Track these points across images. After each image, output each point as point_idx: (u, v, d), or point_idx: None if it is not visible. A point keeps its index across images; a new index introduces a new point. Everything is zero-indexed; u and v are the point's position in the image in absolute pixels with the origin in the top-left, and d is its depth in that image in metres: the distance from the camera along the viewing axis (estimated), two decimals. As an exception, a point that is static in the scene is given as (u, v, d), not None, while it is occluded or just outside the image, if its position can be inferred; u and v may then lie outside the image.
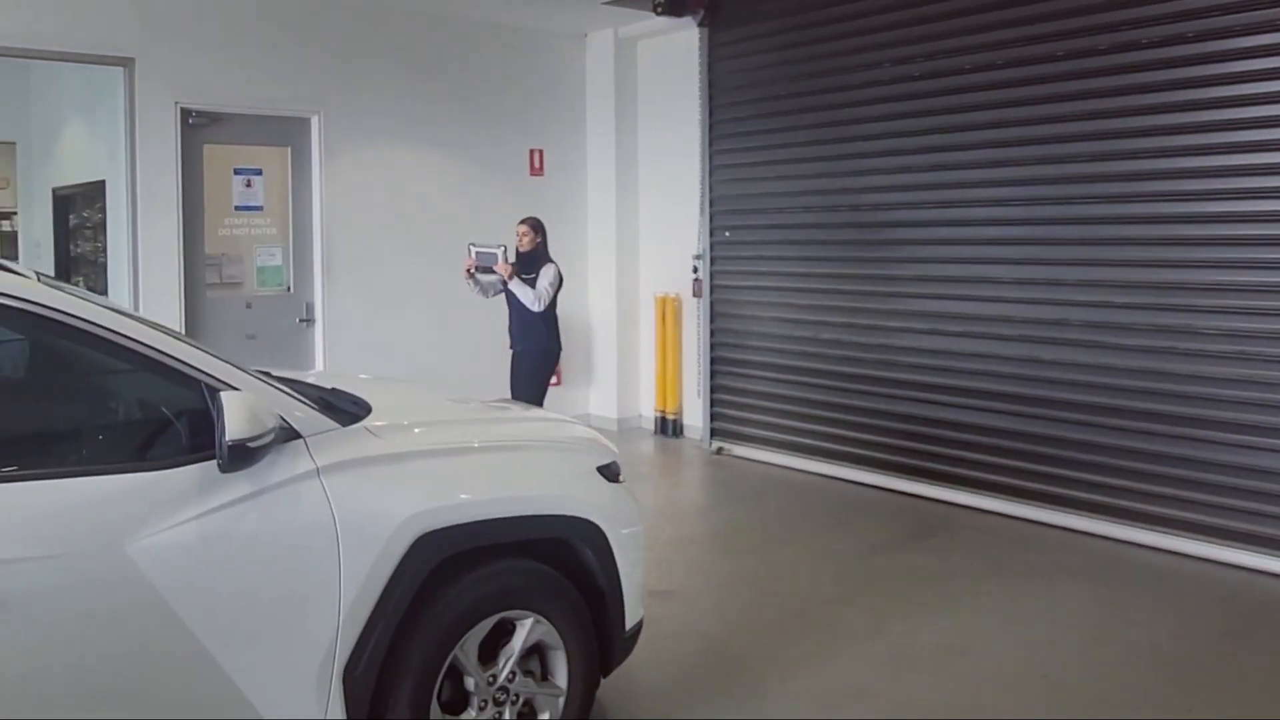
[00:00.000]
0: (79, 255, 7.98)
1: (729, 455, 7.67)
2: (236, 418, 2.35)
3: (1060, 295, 5.81)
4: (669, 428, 8.31)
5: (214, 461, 2.45)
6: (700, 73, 7.75)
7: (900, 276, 6.57)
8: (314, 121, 7.00)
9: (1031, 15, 5.82)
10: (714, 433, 7.88)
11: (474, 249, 5.81)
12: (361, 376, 4.92)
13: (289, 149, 6.95)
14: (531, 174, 8.19)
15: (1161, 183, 5.39)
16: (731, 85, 7.61)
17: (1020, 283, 5.99)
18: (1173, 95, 5.30)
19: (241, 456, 2.37)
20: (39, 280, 2.54)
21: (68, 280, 7.98)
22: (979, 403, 6.17)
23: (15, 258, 8.86)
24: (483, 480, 2.97)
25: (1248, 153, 5.07)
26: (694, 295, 8.02)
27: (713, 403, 7.89)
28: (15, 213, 9.00)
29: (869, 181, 6.72)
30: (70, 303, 2.43)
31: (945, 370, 6.34)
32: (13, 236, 8.99)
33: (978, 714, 3.59)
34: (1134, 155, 5.47)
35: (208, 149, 6.60)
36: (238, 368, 2.66)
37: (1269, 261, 5.02)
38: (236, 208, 6.74)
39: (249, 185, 6.77)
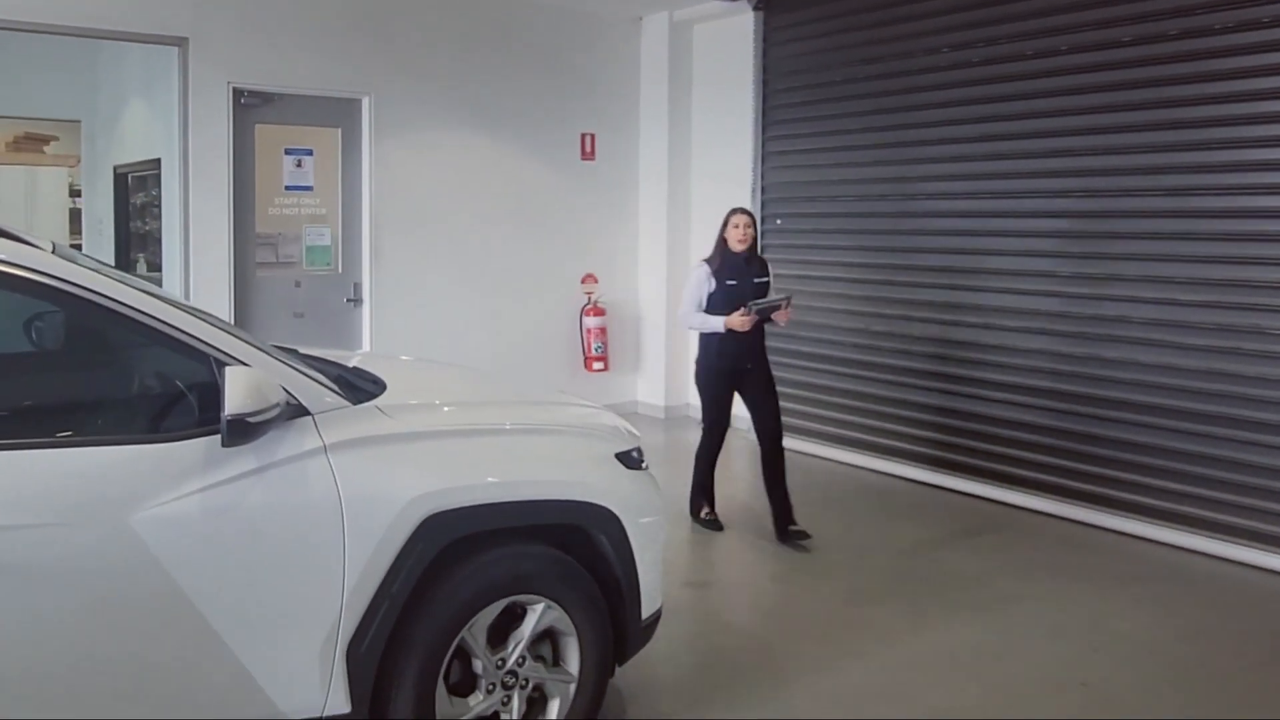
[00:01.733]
0: (140, 233, 8.14)
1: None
2: (238, 392, 2.34)
3: (1121, 291, 5.60)
4: (716, 417, 8.20)
5: (218, 436, 2.44)
6: (754, 57, 7.62)
7: (955, 269, 6.40)
8: (365, 103, 7.03)
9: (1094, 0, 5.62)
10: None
11: (754, 307, 5.07)
12: (404, 358, 4.95)
13: (339, 130, 6.99)
14: (583, 158, 8.13)
15: (1230, 175, 5.15)
16: (785, 70, 7.47)
17: (1079, 278, 5.78)
18: (1244, 84, 5.06)
19: (241, 431, 2.36)
20: (54, 252, 2.55)
21: (127, 258, 8.16)
22: (1033, 400, 5.98)
23: (80, 235, 9.09)
24: (495, 463, 2.93)
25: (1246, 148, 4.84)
26: (744, 283, 7.90)
27: (759, 393, 7.77)
28: (80, 191, 9.22)
29: (925, 170, 6.55)
30: (81, 274, 2.43)
31: (1000, 366, 6.16)
32: (77, 214, 9.21)
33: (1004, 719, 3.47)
34: (1202, 146, 5.24)
35: (259, 129, 6.66)
36: (250, 342, 2.64)
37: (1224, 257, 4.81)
38: (287, 187, 6.80)
39: (299, 165, 6.83)
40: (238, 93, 6.53)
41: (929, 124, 6.51)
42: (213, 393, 2.49)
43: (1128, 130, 5.53)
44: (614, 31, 8.23)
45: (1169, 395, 5.39)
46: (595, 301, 8.21)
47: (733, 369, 5.33)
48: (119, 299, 2.44)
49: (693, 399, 8.64)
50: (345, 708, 2.64)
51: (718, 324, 5.19)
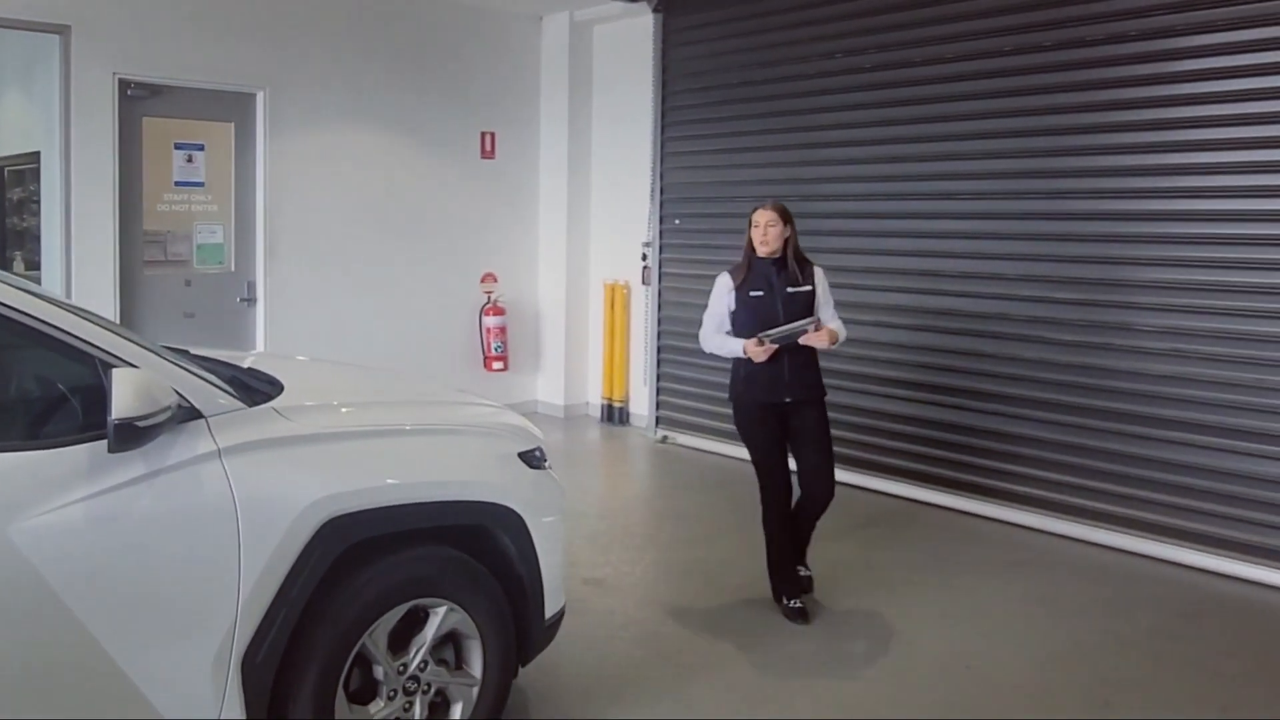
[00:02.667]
0: (18, 229, 7.77)
1: (674, 444, 7.64)
2: (125, 395, 2.27)
3: (1003, 290, 5.83)
4: (615, 415, 8.26)
5: (104, 442, 2.37)
6: (654, 58, 7.69)
7: (849, 268, 6.55)
8: (259, 97, 6.85)
9: (981, 10, 5.83)
10: (659, 421, 7.84)
11: (768, 338, 4.17)
12: (300, 358, 4.85)
13: (232, 125, 6.80)
14: (483, 157, 8.08)
15: (1101, 180, 5.42)
16: (685, 72, 7.55)
17: (964, 276, 6.00)
18: (1117, 93, 5.33)
19: (129, 436, 2.29)
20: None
21: (3, 256, 7.79)
22: (920, 395, 6.19)
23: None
24: (396, 464, 2.90)
25: (1186, 152, 5.11)
26: (643, 283, 7.97)
27: (659, 391, 7.86)
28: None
29: (819, 172, 6.70)
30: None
31: (889, 362, 6.34)
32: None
33: (898, 704, 3.58)
34: (1077, 152, 5.50)
35: (147, 122, 6.43)
36: (138, 343, 2.57)
37: (1206, 260, 5.07)
38: (177, 183, 6.59)
39: (190, 160, 6.62)
40: (124, 84, 6.29)
41: (823, 126, 6.67)
42: (98, 396, 2.41)
43: (1008, 135, 5.76)
44: (514, 30, 8.19)
45: (1048, 389, 5.64)
46: (495, 301, 8.17)
47: (768, 403, 4.31)
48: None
49: (592, 397, 8.70)
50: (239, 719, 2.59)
51: (737, 348, 4.27)
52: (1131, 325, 5.33)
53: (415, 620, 2.94)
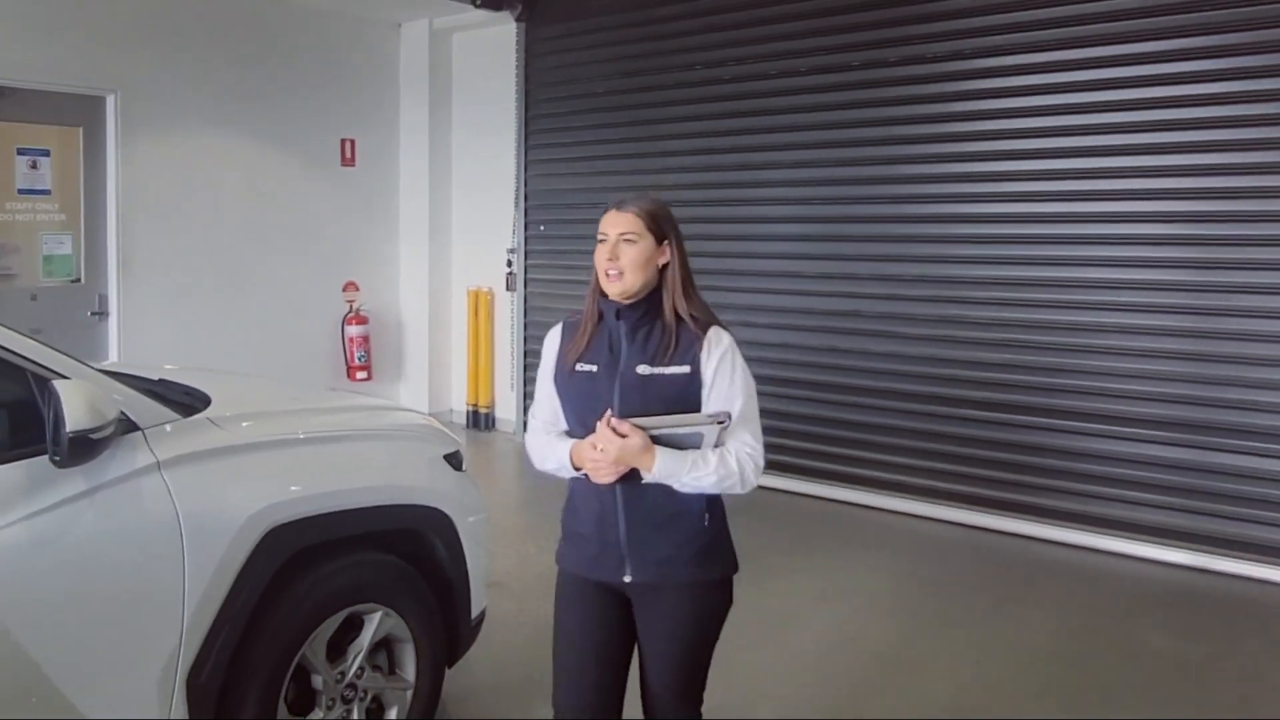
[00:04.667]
0: None
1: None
2: (76, 407, 2.22)
3: (855, 288, 6.23)
4: (481, 421, 8.28)
5: (42, 458, 2.30)
6: (517, 67, 7.76)
7: (709, 270, 6.80)
8: (110, 101, 6.53)
9: (832, 27, 6.20)
10: (527, 425, 7.89)
11: (647, 429, 2.29)
12: (167, 367, 4.69)
13: (80, 129, 6.46)
14: (343, 164, 7.95)
15: (941, 185, 5.87)
16: (548, 81, 7.66)
17: (820, 276, 6.37)
18: (949, 106, 5.82)
19: (84, 449, 2.24)
20: None
21: None
22: (780, 390, 6.49)
23: None
24: (334, 471, 2.92)
25: (1004, 160, 5.62)
26: (507, 289, 8.02)
27: (526, 396, 7.93)
28: None
29: (679, 179, 6.94)
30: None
31: (751, 360, 6.60)
32: None
33: (801, 679, 3.82)
34: (918, 160, 5.94)
35: (-14, 125, 6.06)
36: (66, 355, 2.51)
37: (1033, 259, 5.57)
38: (20, 191, 6.21)
39: (34, 167, 6.25)
40: (-42, 86, 5.92)
41: (683, 135, 6.92)
42: (28, 411, 2.35)
43: (857, 144, 6.16)
44: (373, 36, 8.10)
45: (897, 380, 6.08)
46: (357, 310, 8.05)
47: (589, 579, 2.45)
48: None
49: (456, 404, 8.68)
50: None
51: (563, 456, 2.39)
52: (967, 318, 5.81)
53: (350, 627, 2.96)
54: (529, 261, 7.87)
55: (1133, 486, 5.32)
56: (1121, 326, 5.32)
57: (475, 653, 3.71)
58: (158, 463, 2.50)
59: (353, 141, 7.98)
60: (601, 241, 2.41)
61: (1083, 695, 3.77)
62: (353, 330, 7.99)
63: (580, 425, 2.39)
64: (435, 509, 3.13)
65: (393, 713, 3.08)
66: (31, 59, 6.16)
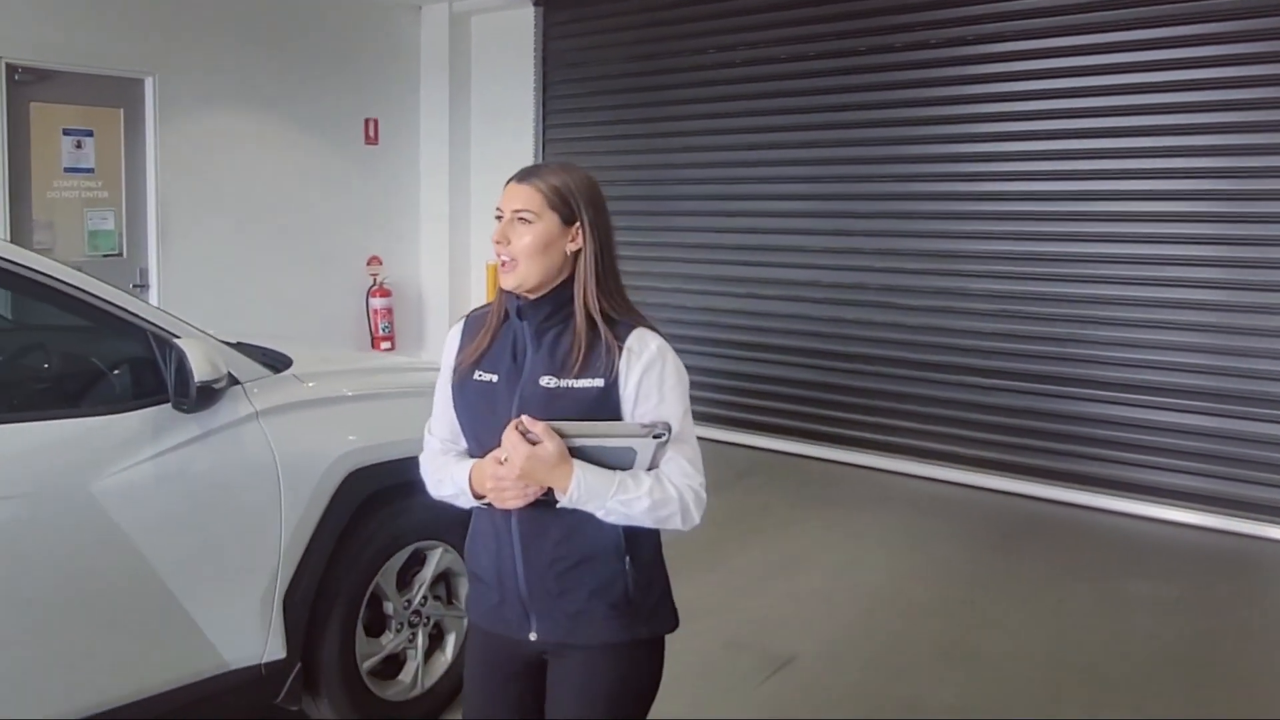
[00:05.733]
0: None
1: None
2: (200, 362, 2.58)
3: (859, 262, 6.58)
4: (501, 390, 8.61)
5: (162, 407, 2.66)
6: (535, 50, 8.06)
7: (722, 245, 7.17)
8: (148, 83, 6.85)
9: (839, 13, 6.51)
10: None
11: (567, 436, 1.83)
12: (278, 336, 5.05)
13: (122, 110, 6.78)
14: (367, 143, 8.27)
15: (943, 165, 6.20)
16: (565, 63, 7.97)
17: (826, 251, 6.71)
18: (955, 89, 6.13)
19: (207, 397, 2.61)
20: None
21: None
22: (788, 358, 6.88)
23: None
24: (402, 423, 3.24)
25: (1003, 143, 5.96)
26: (525, 263, 8.34)
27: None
28: None
29: (693, 158, 7.27)
30: (37, 260, 2.61)
31: (761, 330, 7.01)
32: None
33: (802, 620, 4.21)
34: (920, 140, 6.28)
35: (34, 107, 6.36)
36: (178, 318, 2.86)
37: (1027, 234, 5.92)
38: (65, 169, 6.54)
39: (79, 146, 6.57)
40: (11, 69, 6.20)
41: (697, 116, 7.24)
42: (150, 367, 2.71)
43: (863, 126, 6.48)
44: (395, 19, 8.39)
45: (899, 348, 6.43)
46: (381, 283, 8.39)
47: (493, 633, 2.04)
48: (72, 283, 2.63)
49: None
50: (281, 654, 2.91)
51: (460, 480, 2.01)
52: (966, 290, 6.16)
53: (415, 560, 3.33)
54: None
55: (1123, 448, 5.70)
56: (1126, 299, 5.67)
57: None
58: (256, 412, 2.86)
59: (376, 121, 8.29)
60: (496, 219, 1.95)
61: (1053, 620, 4.17)
62: (377, 302, 8.34)
63: (477, 445, 1.97)
64: (487, 457, 3.48)
65: (450, 638, 3.44)
66: (75, 44, 6.47)
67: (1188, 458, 5.50)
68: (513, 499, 1.85)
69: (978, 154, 6.07)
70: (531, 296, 1.93)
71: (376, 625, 3.25)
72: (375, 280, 8.38)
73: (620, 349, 1.89)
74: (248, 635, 2.84)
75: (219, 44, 7.24)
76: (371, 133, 8.29)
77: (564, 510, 1.85)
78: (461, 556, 3.34)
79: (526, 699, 2.03)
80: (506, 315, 1.99)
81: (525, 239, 1.90)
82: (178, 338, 2.70)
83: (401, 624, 3.28)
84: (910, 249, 6.36)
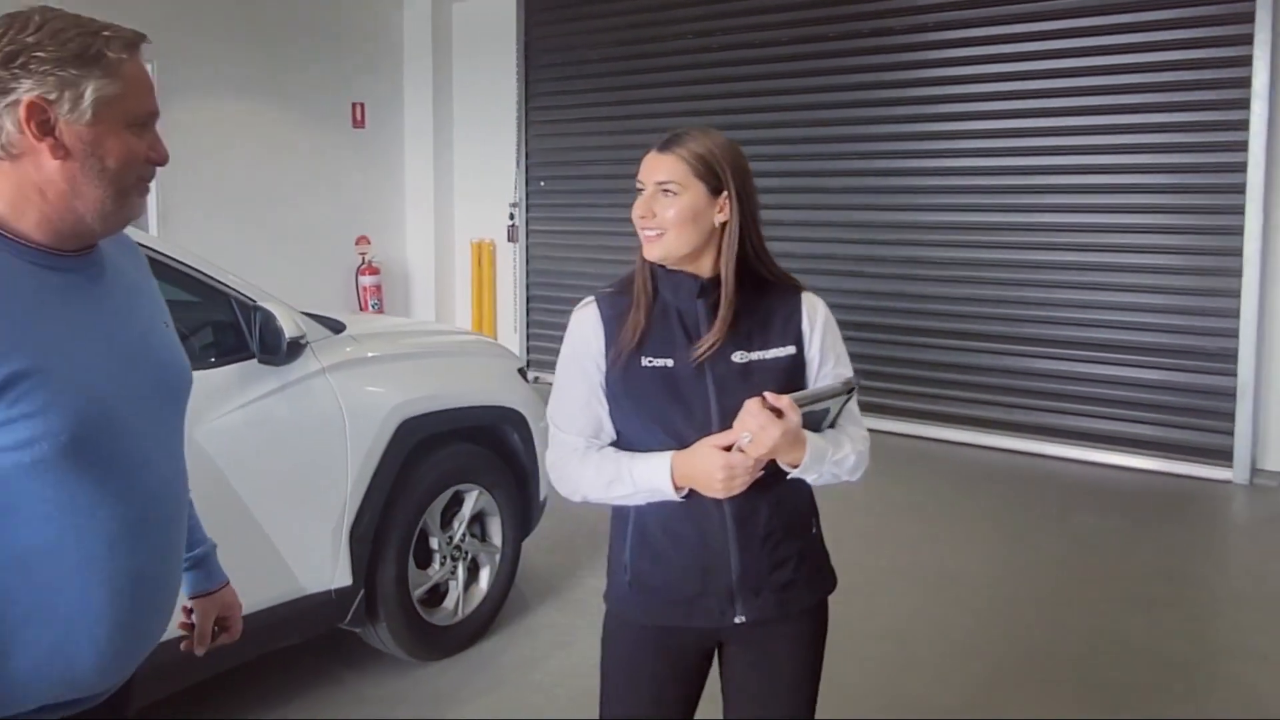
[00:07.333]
0: None
1: (545, 384, 8.45)
2: (288, 321, 2.96)
3: (830, 235, 7.05)
4: (487, 363, 8.99)
5: (246, 362, 3.03)
6: (517, 34, 8.41)
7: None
8: (149, 69, 7.08)
9: (809, 1, 6.95)
10: (530, 364, 8.66)
11: (803, 401, 1.77)
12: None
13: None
14: (354, 126, 8.58)
15: (911, 143, 6.68)
16: (547, 47, 8.33)
17: (796, 224, 7.15)
18: (915, 73, 6.61)
19: (295, 351, 2.99)
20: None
21: None
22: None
23: None
24: (444, 378, 3.68)
25: (963, 121, 6.46)
26: (509, 240, 8.73)
27: (528, 337, 8.68)
28: None
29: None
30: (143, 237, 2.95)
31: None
32: None
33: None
34: (890, 120, 6.74)
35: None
36: (252, 284, 3.23)
37: (983, 206, 6.42)
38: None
39: (86, 132, 6.82)
40: None
41: (673, 99, 7.64)
42: (230, 329, 3.08)
43: (831, 107, 6.94)
44: (379, 5, 8.68)
45: (861, 313, 6.90)
46: (369, 261, 8.72)
47: (679, 627, 1.90)
48: (179, 259, 2.99)
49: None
50: (348, 581, 3.30)
51: (651, 481, 1.80)
52: (928, 259, 6.66)
53: (455, 502, 3.73)
54: (530, 215, 8.58)
55: (1070, 399, 6.24)
56: (1074, 264, 6.19)
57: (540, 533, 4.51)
58: (324, 368, 3.24)
59: (362, 105, 8.60)
60: (638, 191, 1.87)
61: (1013, 545, 4.68)
62: (366, 280, 8.67)
63: (664, 434, 1.81)
64: (515, 410, 3.89)
65: (485, 570, 3.85)
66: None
67: (1128, 407, 6.04)
68: (740, 484, 1.74)
69: (937, 132, 6.55)
70: (689, 273, 1.85)
71: (423, 559, 3.65)
72: (364, 259, 8.70)
73: (800, 312, 1.90)
74: (321, 564, 3.23)
75: (215, 31, 7.51)
76: (358, 116, 8.59)
77: (770, 484, 1.80)
78: (494, 498, 3.82)
79: (694, 686, 1.97)
80: (649, 295, 1.86)
81: (670, 210, 1.81)
82: (260, 302, 3.07)
83: (445, 558, 3.69)
84: (877, 221, 6.84)
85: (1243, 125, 5.49)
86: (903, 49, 6.62)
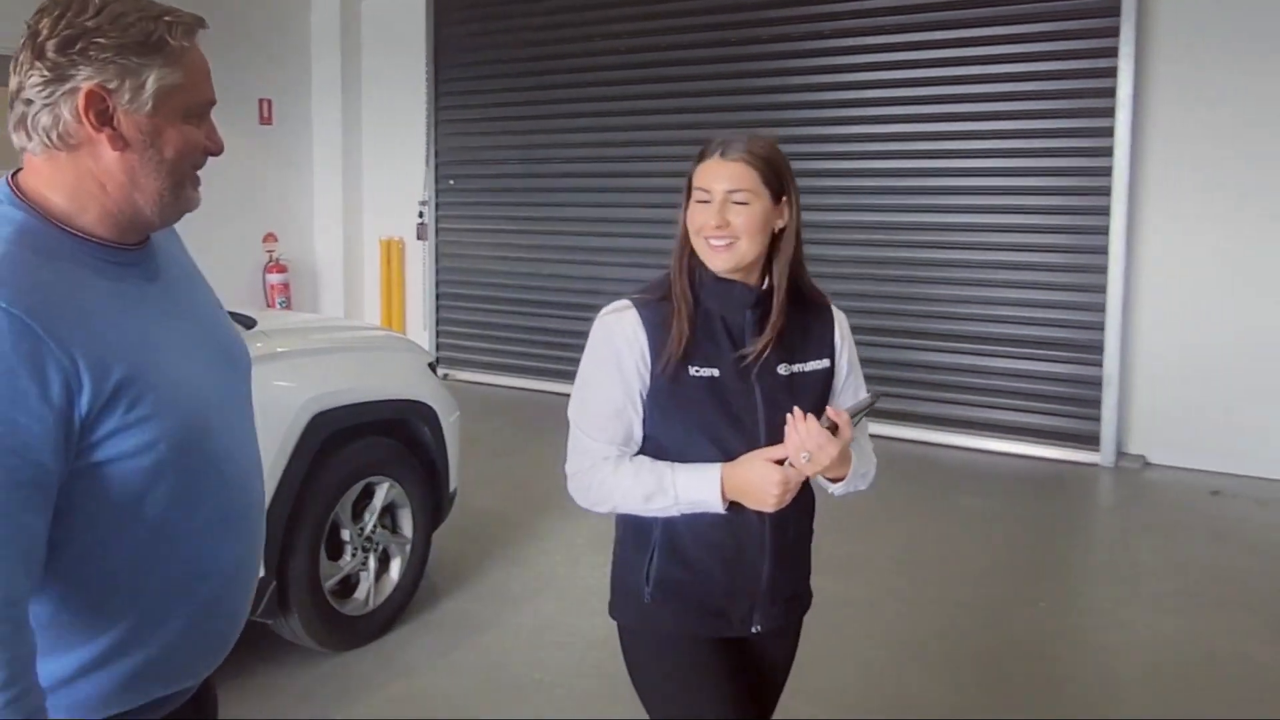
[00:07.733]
0: None
1: (454, 380, 8.54)
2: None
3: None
4: (397, 360, 9.02)
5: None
6: (427, 31, 8.45)
7: (606, 219, 7.77)
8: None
9: (713, 7, 7.19)
10: (439, 361, 8.71)
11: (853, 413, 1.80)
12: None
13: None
14: (261, 123, 8.52)
15: (836, 144, 6.90)
16: (457, 47, 8.39)
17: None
18: (813, 78, 6.87)
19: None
20: None
21: None
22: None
23: None
24: (355, 373, 3.77)
25: (852, 125, 6.74)
26: (418, 238, 8.77)
27: (438, 334, 8.74)
28: None
29: (578, 138, 7.82)
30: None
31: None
32: None
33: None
34: (783, 124, 7.00)
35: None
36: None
37: (867, 205, 6.70)
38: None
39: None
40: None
41: (582, 99, 7.79)
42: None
43: (735, 110, 7.15)
44: (285, 1, 8.63)
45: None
46: (276, 259, 8.68)
47: (713, 634, 1.90)
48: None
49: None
50: (260, 573, 3.38)
51: (698, 494, 1.78)
52: (819, 257, 6.91)
53: (365, 494, 3.83)
54: (439, 213, 8.64)
55: (960, 390, 6.58)
56: (957, 261, 6.52)
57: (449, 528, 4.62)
58: (235, 364, 3.31)
59: (269, 102, 8.55)
60: (702, 202, 1.79)
61: (903, 525, 4.97)
62: (273, 278, 8.63)
63: (715, 446, 1.78)
64: (426, 404, 4.00)
65: (396, 561, 3.95)
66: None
67: (1005, 396, 6.40)
68: (791, 498, 1.75)
69: (829, 135, 6.83)
70: (744, 282, 1.82)
71: (334, 551, 3.74)
72: (271, 256, 8.66)
73: (833, 326, 1.92)
74: (232, 556, 3.30)
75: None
76: (265, 113, 8.54)
77: (799, 496, 1.80)
78: (404, 490, 3.92)
79: (739, 681, 1.93)
80: (690, 303, 1.81)
81: (741, 218, 1.77)
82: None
83: (356, 549, 3.78)
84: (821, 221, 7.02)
85: (1108, 132, 5.89)
86: (804, 54, 6.88)
